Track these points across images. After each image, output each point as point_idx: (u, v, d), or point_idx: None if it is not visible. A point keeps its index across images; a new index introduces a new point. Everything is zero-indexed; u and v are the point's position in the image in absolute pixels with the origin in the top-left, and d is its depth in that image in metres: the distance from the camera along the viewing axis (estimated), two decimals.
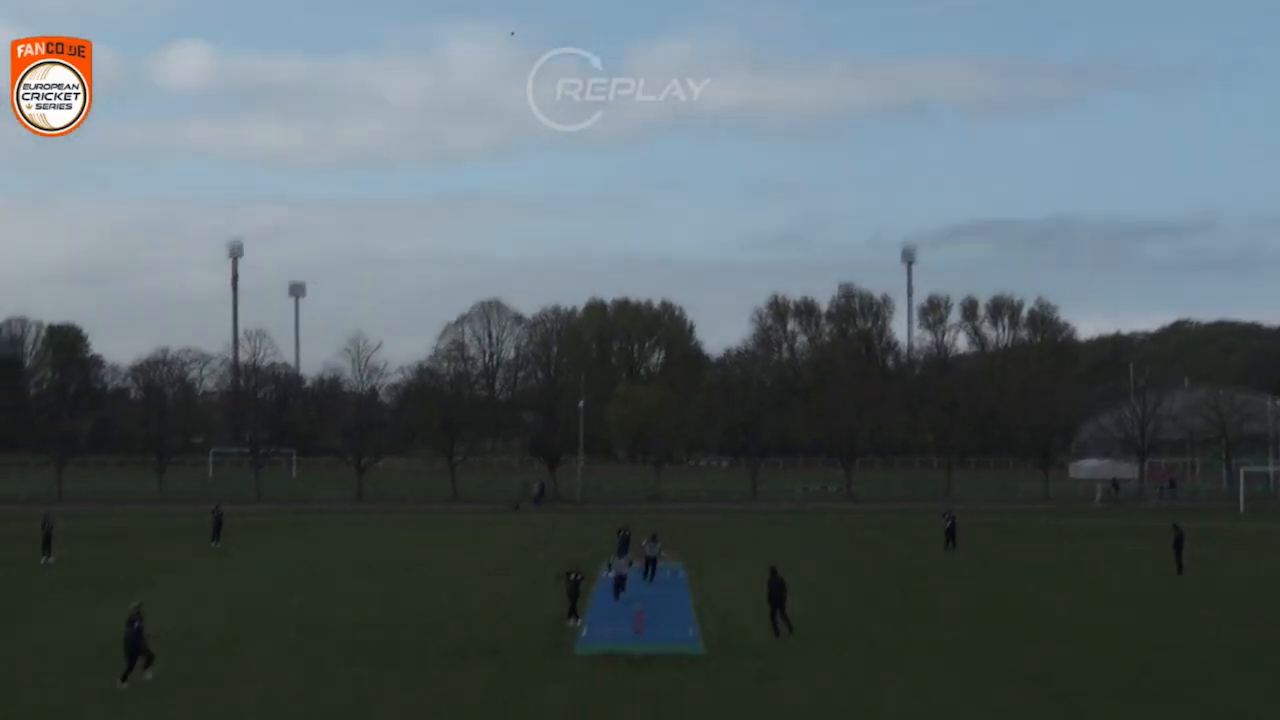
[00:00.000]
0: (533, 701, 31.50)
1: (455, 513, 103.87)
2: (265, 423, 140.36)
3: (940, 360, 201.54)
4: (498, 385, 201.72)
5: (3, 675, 34.94)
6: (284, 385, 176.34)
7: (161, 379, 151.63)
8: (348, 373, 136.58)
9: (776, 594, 41.54)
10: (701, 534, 79.66)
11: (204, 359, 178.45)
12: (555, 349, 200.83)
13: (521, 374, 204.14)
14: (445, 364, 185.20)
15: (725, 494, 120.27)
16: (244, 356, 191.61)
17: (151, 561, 64.57)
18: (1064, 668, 35.74)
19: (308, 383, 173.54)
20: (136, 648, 32.81)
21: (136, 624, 33.01)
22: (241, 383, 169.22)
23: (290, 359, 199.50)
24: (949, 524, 70.29)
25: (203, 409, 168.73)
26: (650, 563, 55.98)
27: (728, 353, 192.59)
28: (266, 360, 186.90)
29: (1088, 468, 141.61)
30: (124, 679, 32.65)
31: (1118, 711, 30.17)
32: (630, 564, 51.74)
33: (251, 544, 73.28)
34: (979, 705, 30.92)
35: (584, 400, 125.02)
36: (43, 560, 63.31)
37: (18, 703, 31.32)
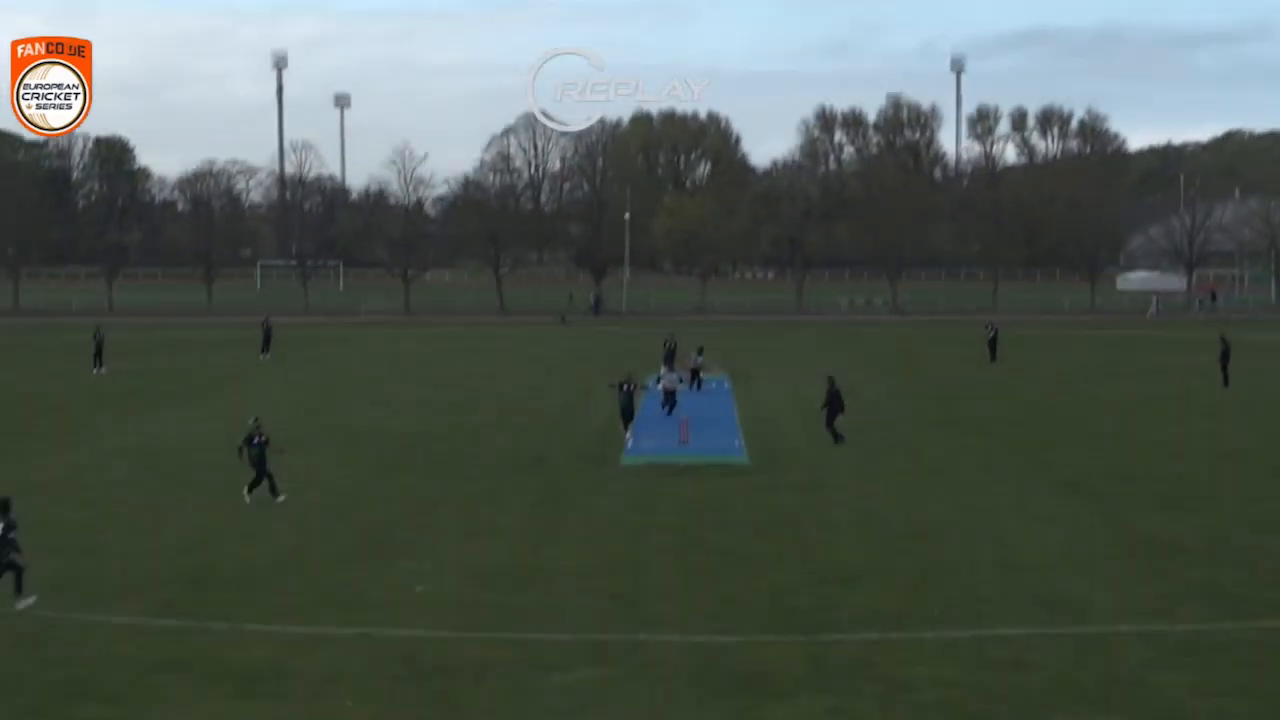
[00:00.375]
0: (579, 510, 31.82)
1: (502, 325, 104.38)
2: (312, 235, 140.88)
3: (988, 172, 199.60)
4: (543, 198, 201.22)
5: (63, 484, 35.48)
6: (330, 197, 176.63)
7: (208, 191, 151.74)
8: (394, 185, 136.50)
9: (833, 405, 41.74)
10: (747, 346, 79.85)
11: (250, 171, 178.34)
12: (601, 161, 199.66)
13: (567, 186, 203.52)
14: (491, 176, 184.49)
15: (771, 306, 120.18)
16: (290, 169, 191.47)
17: (202, 373, 65.19)
18: (1106, 478, 35.80)
19: (354, 195, 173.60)
20: (263, 463, 32.08)
21: (258, 439, 32.20)
22: (288, 195, 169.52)
23: (336, 171, 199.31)
24: (991, 335, 70.14)
25: (250, 221, 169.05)
26: (695, 374, 56.14)
27: (774, 164, 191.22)
28: (312, 172, 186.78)
29: (1135, 280, 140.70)
30: (269, 494, 32.03)
31: (1160, 521, 30.25)
32: (681, 380, 51.53)
33: (300, 356, 73.84)
34: (1022, 514, 31.06)
35: (629, 212, 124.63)
36: (95, 371, 64.01)
37: (76, 513, 31.83)
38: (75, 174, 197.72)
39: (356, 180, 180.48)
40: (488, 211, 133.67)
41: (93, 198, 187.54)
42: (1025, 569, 26.15)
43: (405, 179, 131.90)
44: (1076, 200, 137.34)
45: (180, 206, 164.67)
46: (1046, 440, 42.86)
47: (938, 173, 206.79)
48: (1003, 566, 26.31)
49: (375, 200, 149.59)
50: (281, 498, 31.94)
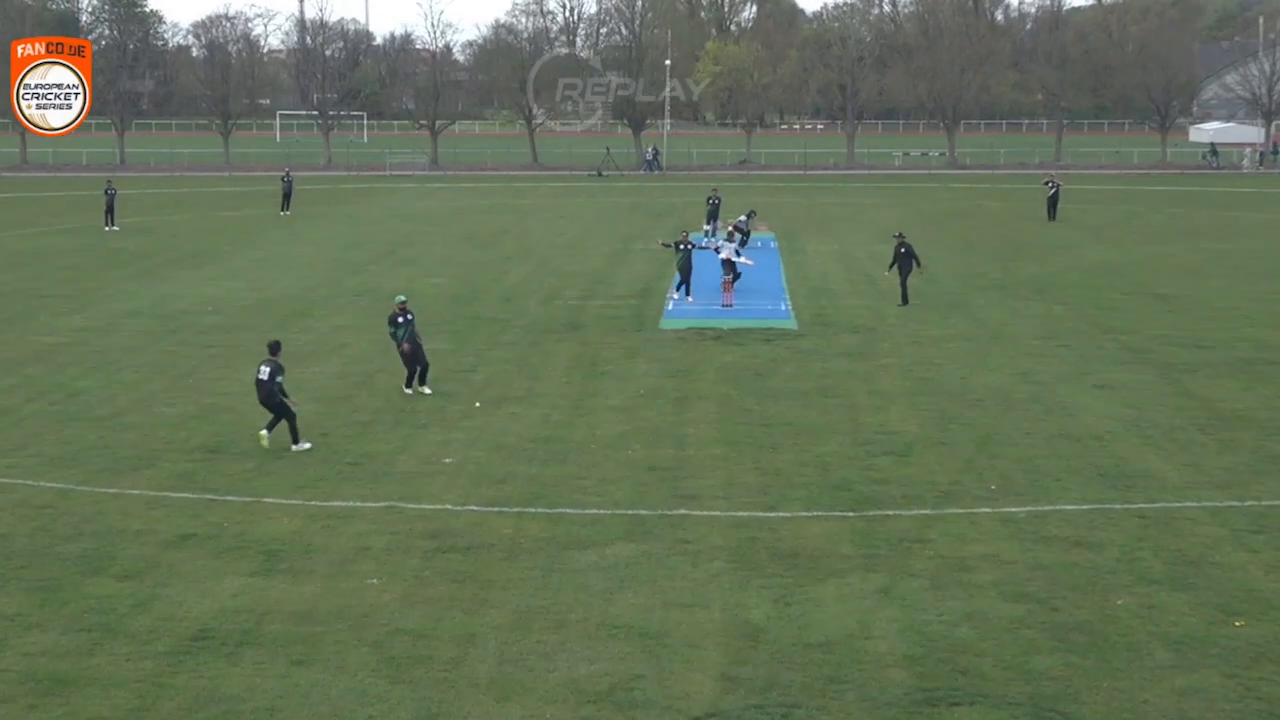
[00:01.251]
0: (615, 378, 31.76)
1: (535, 179, 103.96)
2: (334, 84, 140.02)
3: (1053, 14, 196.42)
4: (579, 43, 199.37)
5: (72, 349, 35.62)
6: (353, 42, 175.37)
7: (225, 36, 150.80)
8: (420, 29, 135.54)
9: (906, 262, 41.70)
10: (794, 201, 79.37)
11: (269, 14, 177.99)
12: (640, 2, 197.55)
13: (604, 30, 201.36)
14: (523, 19, 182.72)
15: (820, 159, 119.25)
16: (311, 12, 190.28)
17: (220, 231, 65.24)
18: (1174, 344, 35.51)
19: (378, 40, 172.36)
20: (417, 345, 29.99)
21: (409, 317, 29.92)
22: (309, 40, 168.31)
23: (359, 15, 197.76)
24: (1052, 191, 69.32)
25: (269, 68, 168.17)
26: (740, 232, 55.67)
27: (824, 7, 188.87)
28: (334, 16, 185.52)
29: (1209, 131, 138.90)
30: (409, 385, 30.07)
31: (1230, 390, 30.00)
32: (738, 254, 50.54)
33: (323, 213, 73.79)
34: (1084, 382, 30.83)
35: (670, 59, 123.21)
36: (106, 229, 64.14)
37: (87, 380, 32.00)
38: (83, 17, 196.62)
39: (381, 25, 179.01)
40: (520, 58, 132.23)
41: (102, 43, 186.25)
42: (1087, 440, 26.02)
43: (432, 23, 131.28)
44: (1148, 45, 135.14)
45: (195, 53, 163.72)
46: (1110, 304, 42.53)
47: (999, 15, 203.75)
48: (1064, 438, 26.18)
49: (401, 46, 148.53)
50: (427, 390, 30.16)
